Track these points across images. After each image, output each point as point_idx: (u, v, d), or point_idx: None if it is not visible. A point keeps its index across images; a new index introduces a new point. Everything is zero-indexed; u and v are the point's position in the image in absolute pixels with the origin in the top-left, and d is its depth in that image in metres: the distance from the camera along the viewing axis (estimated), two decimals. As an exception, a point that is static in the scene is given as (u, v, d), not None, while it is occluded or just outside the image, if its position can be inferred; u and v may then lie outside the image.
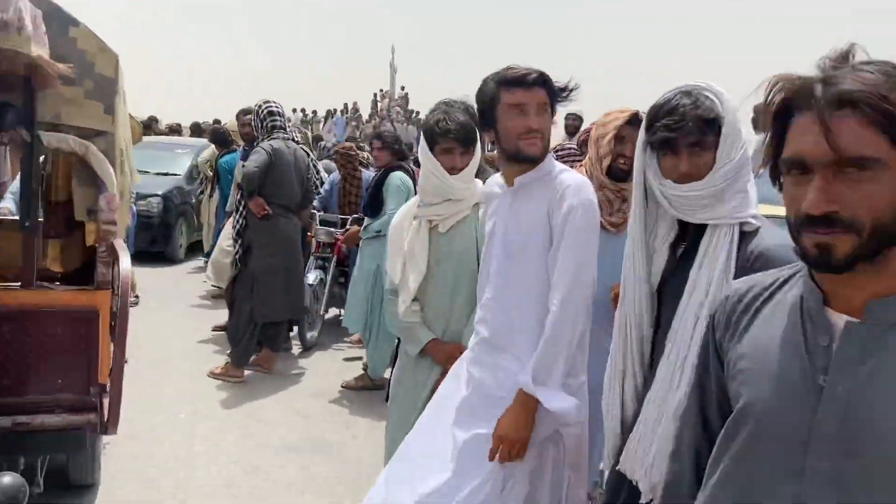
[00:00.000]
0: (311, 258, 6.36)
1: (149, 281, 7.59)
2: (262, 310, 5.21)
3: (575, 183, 2.10)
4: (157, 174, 9.49)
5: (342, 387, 5.17)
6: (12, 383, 2.63)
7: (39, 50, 2.41)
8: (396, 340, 3.07)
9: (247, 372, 5.28)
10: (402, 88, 29.52)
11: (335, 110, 25.84)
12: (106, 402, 2.70)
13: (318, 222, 6.36)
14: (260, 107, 5.34)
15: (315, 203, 6.51)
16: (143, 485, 3.61)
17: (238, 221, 5.33)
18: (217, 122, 14.04)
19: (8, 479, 1.99)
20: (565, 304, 2.02)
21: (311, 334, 6.12)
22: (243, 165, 5.38)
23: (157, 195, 9.21)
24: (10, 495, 1.93)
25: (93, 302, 2.68)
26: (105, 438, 3.75)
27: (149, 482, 3.65)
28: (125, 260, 2.67)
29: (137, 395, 4.69)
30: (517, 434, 2.02)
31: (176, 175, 9.93)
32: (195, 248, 9.74)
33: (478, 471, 2.06)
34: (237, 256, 5.31)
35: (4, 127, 2.67)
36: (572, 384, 2.08)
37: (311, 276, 6.07)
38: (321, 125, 24.22)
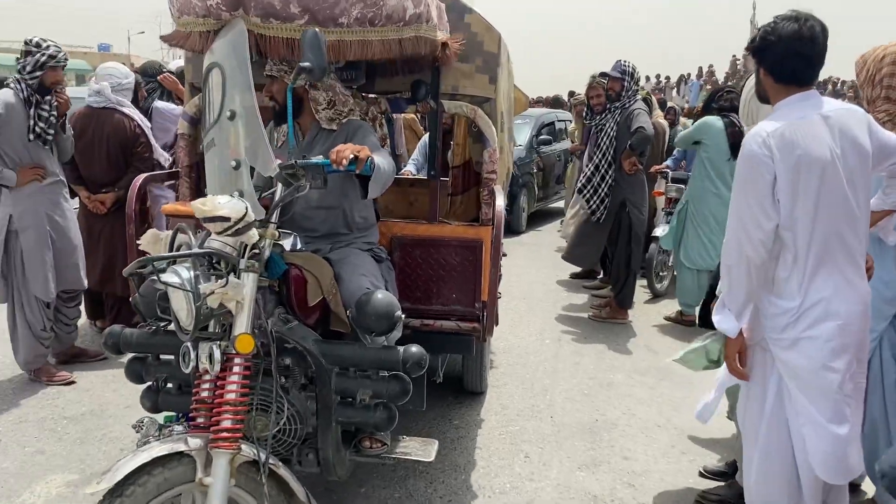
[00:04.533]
0: (661, 212, 6.78)
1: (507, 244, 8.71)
2: (638, 258, 5.80)
3: None
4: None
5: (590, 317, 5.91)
6: (421, 294, 3.26)
7: (443, 35, 2.91)
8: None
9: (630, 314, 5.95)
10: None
11: (688, 75, 25.19)
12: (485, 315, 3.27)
13: (669, 179, 6.71)
14: (634, 68, 5.67)
15: (669, 163, 6.86)
16: (519, 384, 4.51)
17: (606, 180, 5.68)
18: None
19: (415, 348, 2.51)
20: None
21: (660, 285, 6.60)
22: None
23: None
24: (416, 359, 2.47)
25: (478, 235, 3.18)
26: (492, 349, 4.76)
27: (524, 382, 4.53)
28: (500, 201, 3.23)
29: (511, 320, 5.70)
30: None
31: (518, 146, 10.96)
32: (534, 218, 10.63)
33: None
34: (603, 211, 5.70)
35: (418, 99, 3.27)
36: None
37: (660, 230, 6.50)
38: (674, 91, 23.89)
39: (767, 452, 2.43)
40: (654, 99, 8.10)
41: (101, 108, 4.64)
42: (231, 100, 2.35)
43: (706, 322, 3.92)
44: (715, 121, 5.34)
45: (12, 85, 4.00)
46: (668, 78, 25.76)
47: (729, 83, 22.55)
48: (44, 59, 3.97)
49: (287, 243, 2.53)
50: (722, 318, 2.43)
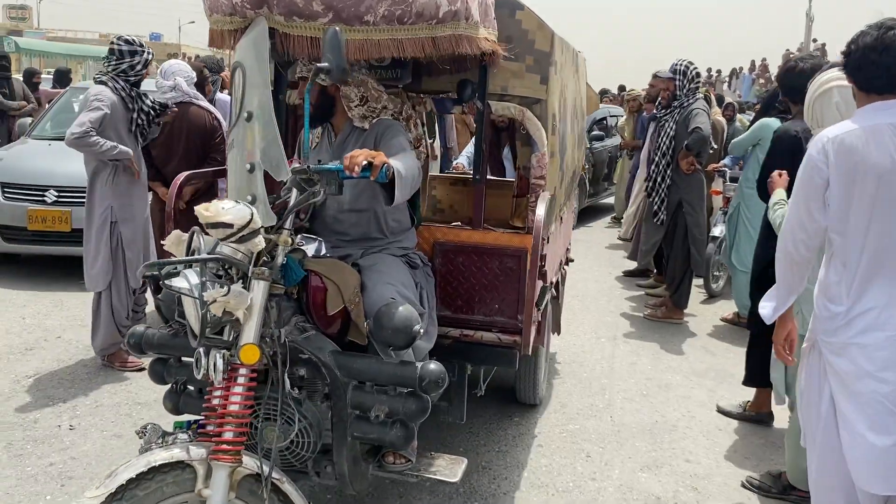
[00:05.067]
0: (719, 212, 6.70)
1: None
2: (698, 259, 5.74)
3: None
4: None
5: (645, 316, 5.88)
6: (463, 303, 3.11)
7: (487, 33, 2.74)
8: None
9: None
10: (815, 41, 26.71)
11: (740, 69, 24.69)
12: (532, 329, 3.10)
13: (728, 179, 6.62)
14: (689, 67, 5.63)
15: (727, 161, 6.76)
16: (577, 382, 4.52)
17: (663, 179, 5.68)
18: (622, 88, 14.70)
19: (433, 365, 2.33)
20: None
21: (715, 286, 6.54)
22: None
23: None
24: (433, 377, 2.30)
25: (522, 243, 2.99)
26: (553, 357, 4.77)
27: (581, 381, 4.55)
28: (541, 209, 2.96)
29: (566, 318, 5.69)
30: None
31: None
32: (585, 214, 10.47)
33: None
34: (663, 213, 5.70)
35: (464, 99, 3.09)
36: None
37: (718, 230, 6.43)
38: (725, 84, 23.45)
39: (823, 454, 2.44)
40: (712, 96, 8.00)
41: (178, 102, 4.77)
42: (249, 100, 2.28)
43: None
44: (774, 123, 5.23)
45: (110, 84, 4.15)
46: (719, 71, 25.29)
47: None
48: (149, 57, 4.23)
49: (311, 249, 2.45)
50: (765, 304, 2.58)
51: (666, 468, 3.52)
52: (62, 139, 6.92)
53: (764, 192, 4.10)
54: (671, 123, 5.63)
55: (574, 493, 3.26)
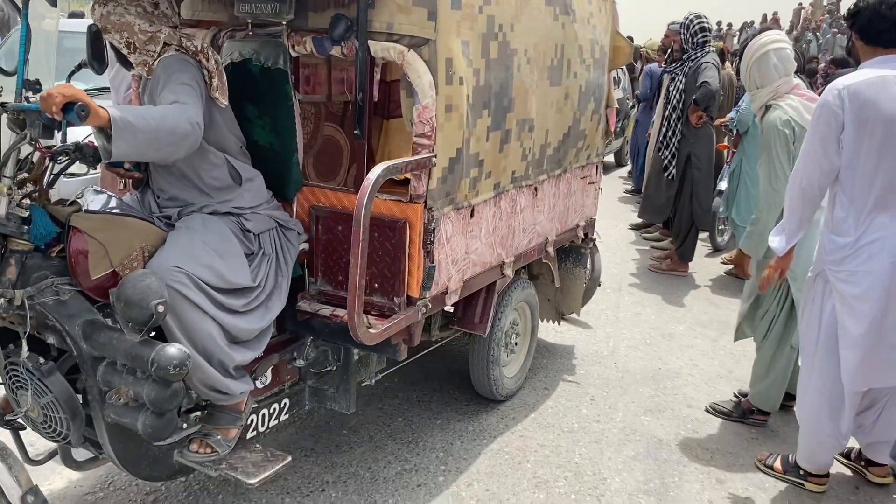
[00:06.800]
0: (726, 166, 6.73)
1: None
2: (699, 213, 5.80)
3: None
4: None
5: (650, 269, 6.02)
6: (344, 279, 2.68)
7: None
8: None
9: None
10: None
11: (751, 22, 24.31)
12: (405, 315, 2.63)
13: (735, 133, 6.62)
14: (693, 21, 5.64)
15: (733, 115, 6.77)
16: (582, 330, 4.63)
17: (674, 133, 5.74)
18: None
19: (173, 349, 2.04)
20: None
21: (720, 239, 6.60)
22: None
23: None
24: (164, 363, 1.99)
25: (403, 213, 2.60)
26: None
27: (586, 329, 4.65)
28: (376, 171, 2.37)
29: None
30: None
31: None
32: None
33: None
34: (673, 168, 5.77)
35: (336, 38, 2.49)
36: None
37: (723, 184, 6.46)
38: (735, 39, 23.11)
39: (824, 370, 2.79)
40: (727, 51, 7.93)
41: None
42: None
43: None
44: None
45: None
46: (730, 25, 24.90)
47: (794, 32, 21.74)
48: None
49: (96, 203, 2.25)
50: (777, 239, 2.82)
51: (668, 412, 3.64)
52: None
53: None
54: (680, 77, 5.66)
55: (579, 434, 3.39)
